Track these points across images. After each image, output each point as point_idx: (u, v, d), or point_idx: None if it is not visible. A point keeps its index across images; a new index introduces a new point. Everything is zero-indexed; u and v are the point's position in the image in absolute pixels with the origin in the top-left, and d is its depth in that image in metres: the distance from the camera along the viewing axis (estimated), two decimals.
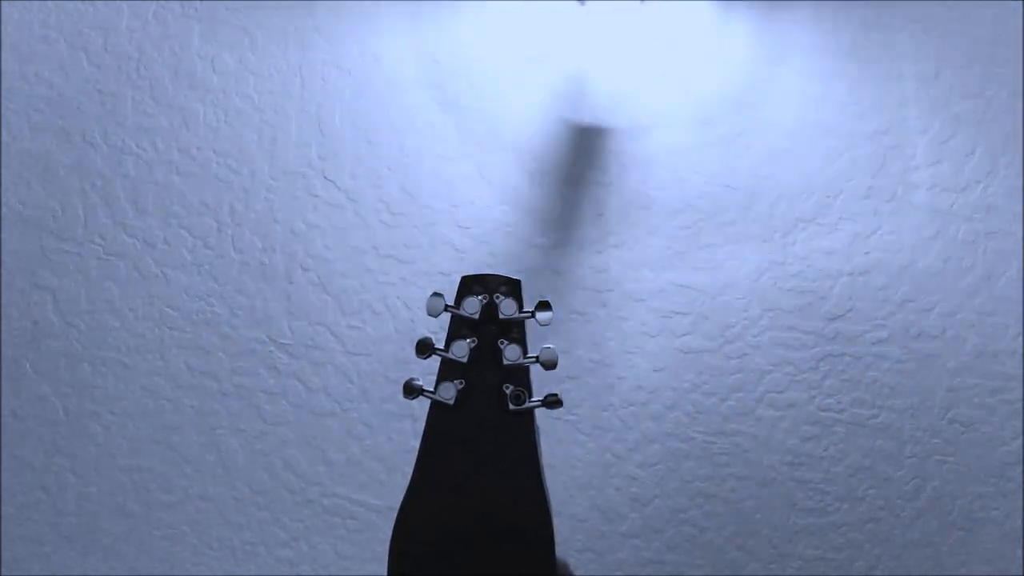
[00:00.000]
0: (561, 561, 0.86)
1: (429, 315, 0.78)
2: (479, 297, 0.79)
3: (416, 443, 1.11)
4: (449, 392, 0.78)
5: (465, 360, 0.78)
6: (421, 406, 1.11)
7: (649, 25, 1.17)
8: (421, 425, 1.11)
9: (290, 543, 1.11)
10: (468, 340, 0.78)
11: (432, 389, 0.78)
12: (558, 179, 1.16)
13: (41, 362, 1.14)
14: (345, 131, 1.18)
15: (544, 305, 0.79)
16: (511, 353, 0.78)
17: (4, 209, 1.18)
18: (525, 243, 1.14)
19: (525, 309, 0.79)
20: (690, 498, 1.10)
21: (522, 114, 1.17)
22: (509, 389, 0.78)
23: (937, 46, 1.16)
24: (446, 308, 0.79)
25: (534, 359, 0.78)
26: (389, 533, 1.08)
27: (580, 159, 1.16)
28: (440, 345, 0.79)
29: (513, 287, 0.80)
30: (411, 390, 0.78)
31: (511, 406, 0.77)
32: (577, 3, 1.17)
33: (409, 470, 1.11)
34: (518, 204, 1.15)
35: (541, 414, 0.80)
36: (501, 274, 0.80)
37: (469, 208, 1.15)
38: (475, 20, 1.19)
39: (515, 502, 0.75)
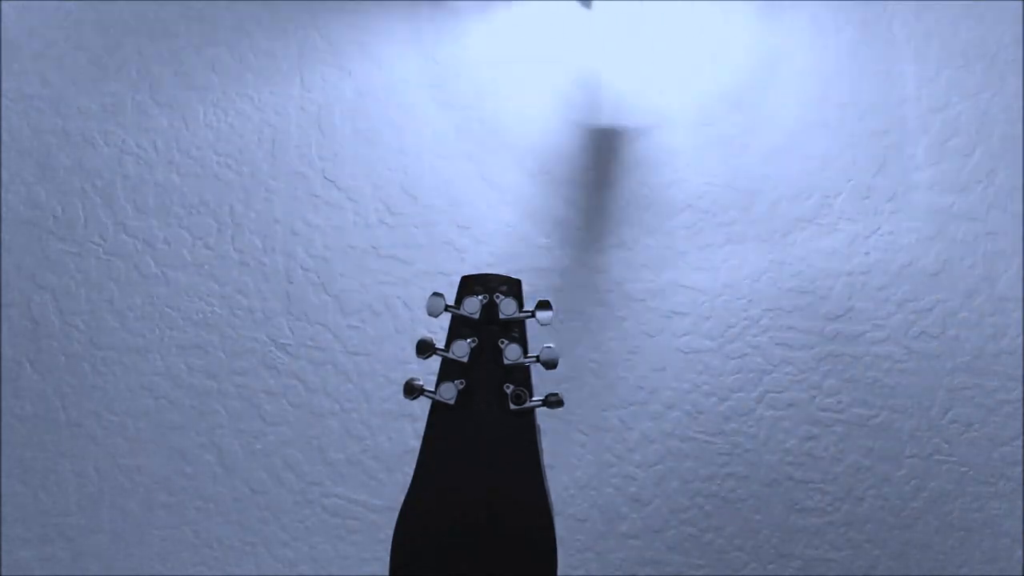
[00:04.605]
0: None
1: (429, 315, 0.78)
2: (479, 297, 0.79)
3: (416, 443, 1.11)
4: (450, 392, 0.77)
5: (466, 360, 0.78)
6: (421, 406, 1.11)
7: (649, 25, 1.17)
8: (421, 425, 1.11)
9: (290, 543, 1.11)
10: (469, 340, 0.78)
11: (433, 389, 0.78)
12: (558, 179, 1.16)
13: (41, 362, 1.14)
14: (345, 131, 1.18)
15: (544, 304, 0.78)
16: (512, 353, 0.78)
17: (4, 209, 1.17)
18: (525, 243, 1.14)
19: (525, 309, 0.79)
20: (690, 498, 1.10)
21: (522, 114, 1.17)
22: (510, 389, 0.78)
23: (937, 46, 1.16)
24: (446, 308, 0.78)
25: (535, 358, 0.78)
26: (389, 533, 1.08)
27: (580, 159, 1.16)
28: (441, 345, 0.79)
29: (513, 287, 0.79)
30: (412, 390, 0.78)
31: (512, 406, 0.77)
32: (578, 3, 1.17)
33: (409, 470, 1.10)
34: (518, 204, 1.15)
35: (541, 414, 0.80)
36: (501, 274, 0.80)
37: (469, 208, 1.15)
38: (475, 20, 1.19)
39: (516, 502, 0.75)
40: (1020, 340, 1.10)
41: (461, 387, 0.78)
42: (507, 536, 0.74)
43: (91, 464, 1.12)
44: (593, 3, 1.17)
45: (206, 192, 1.17)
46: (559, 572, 1.08)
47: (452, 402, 0.77)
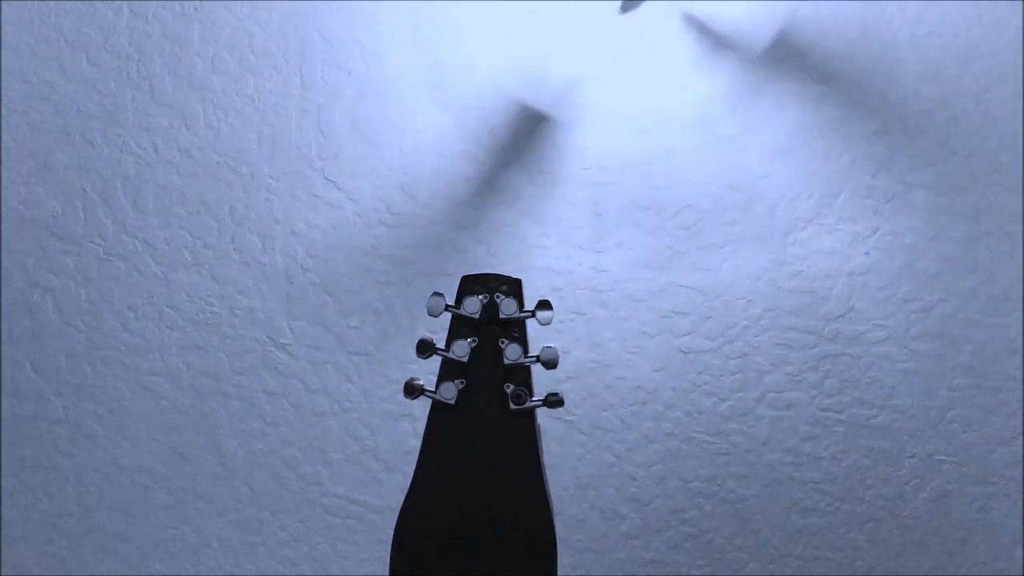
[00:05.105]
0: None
1: (430, 315, 0.78)
2: (479, 297, 0.79)
3: (416, 443, 1.11)
4: (450, 392, 0.78)
5: (466, 360, 0.78)
6: (421, 406, 1.11)
7: (650, 25, 1.17)
8: (421, 425, 1.11)
9: (290, 543, 1.11)
10: (469, 340, 0.78)
11: (433, 389, 0.78)
12: (558, 179, 1.16)
13: (41, 362, 1.14)
14: (345, 131, 1.18)
15: (544, 304, 0.78)
16: (512, 352, 0.78)
17: (4, 209, 1.17)
18: (525, 243, 1.14)
19: (525, 308, 0.79)
20: (690, 498, 1.10)
21: (522, 114, 1.17)
22: (510, 388, 0.78)
23: (937, 46, 1.16)
24: (447, 308, 0.79)
25: (535, 358, 0.78)
26: (389, 533, 1.08)
27: (580, 158, 1.16)
28: (441, 345, 0.79)
29: (513, 286, 0.80)
30: (412, 390, 0.78)
31: (512, 405, 0.77)
32: (579, 4, 1.17)
33: (409, 470, 1.11)
34: (518, 204, 1.15)
35: (541, 414, 0.80)
36: (501, 274, 0.80)
37: (469, 208, 1.15)
38: (475, 20, 1.19)
39: (516, 501, 0.75)
40: (1020, 340, 1.10)
41: (461, 387, 0.78)
42: (507, 536, 0.74)
43: (91, 464, 1.12)
44: (594, 1, 1.17)
45: (206, 192, 1.17)
46: (559, 572, 1.09)
47: (452, 402, 0.77)
